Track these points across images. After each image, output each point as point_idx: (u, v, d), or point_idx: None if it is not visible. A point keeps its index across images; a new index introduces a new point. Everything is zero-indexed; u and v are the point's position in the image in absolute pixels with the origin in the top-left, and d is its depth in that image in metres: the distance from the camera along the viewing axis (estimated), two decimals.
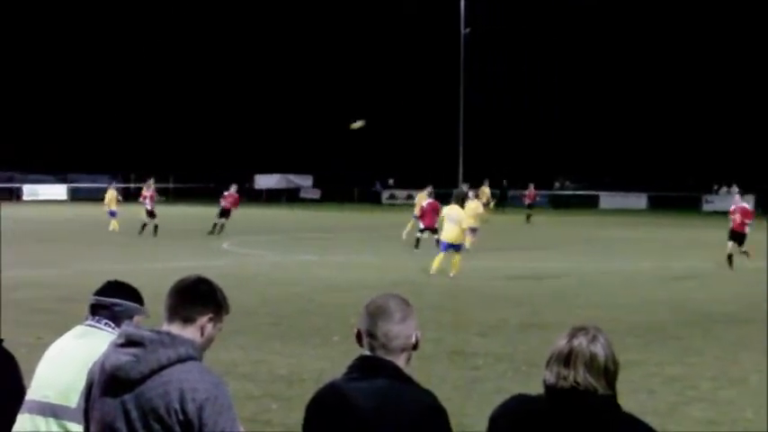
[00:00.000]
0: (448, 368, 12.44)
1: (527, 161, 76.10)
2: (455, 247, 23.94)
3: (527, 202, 53.90)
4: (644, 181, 71.79)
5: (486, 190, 51.44)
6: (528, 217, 51.00)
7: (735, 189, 29.14)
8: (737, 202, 27.80)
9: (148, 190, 39.31)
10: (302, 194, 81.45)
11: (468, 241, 32.34)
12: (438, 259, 23.93)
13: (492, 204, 51.79)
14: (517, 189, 63.83)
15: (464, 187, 39.80)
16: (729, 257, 26.50)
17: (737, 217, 26.88)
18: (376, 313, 3.99)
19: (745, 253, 26.61)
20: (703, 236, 39.84)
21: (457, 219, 23.97)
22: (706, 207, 68.12)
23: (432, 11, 77.92)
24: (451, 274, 23.43)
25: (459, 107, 67.66)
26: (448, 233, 23.99)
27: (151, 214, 37.91)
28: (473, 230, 33.10)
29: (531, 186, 55.12)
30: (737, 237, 26.71)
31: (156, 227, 37.25)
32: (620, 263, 28.54)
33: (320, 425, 3.96)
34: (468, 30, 68.76)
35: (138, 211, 39.63)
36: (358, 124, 31.28)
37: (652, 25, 78.03)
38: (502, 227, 44.83)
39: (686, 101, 75.76)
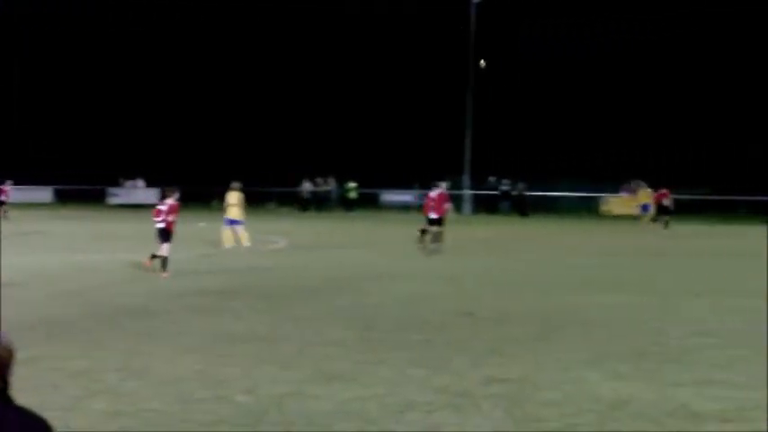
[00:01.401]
0: None
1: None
2: None
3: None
4: (49, 173, 71.04)
5: None
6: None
7: (140, 182, 29.07)
8: (170, 201, 27.50)
9: None
10: None
11: None
12: None
13: None
14: None
15: None
16: (157, 257, 26.05)
17: (172, 215, 26.37)
18: None
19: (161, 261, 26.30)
20: (109, 228, 40.20)
21: None
22: (112, 200, 69.25)
23: None
24: None
25: None
26: None
27: None
28: None
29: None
30: (166, 235, 26.26)
31: None
32: (25, 257, 27.85)
33: None
34: None
35: None
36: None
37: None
38: None
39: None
